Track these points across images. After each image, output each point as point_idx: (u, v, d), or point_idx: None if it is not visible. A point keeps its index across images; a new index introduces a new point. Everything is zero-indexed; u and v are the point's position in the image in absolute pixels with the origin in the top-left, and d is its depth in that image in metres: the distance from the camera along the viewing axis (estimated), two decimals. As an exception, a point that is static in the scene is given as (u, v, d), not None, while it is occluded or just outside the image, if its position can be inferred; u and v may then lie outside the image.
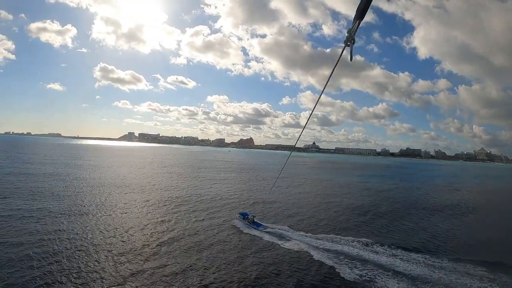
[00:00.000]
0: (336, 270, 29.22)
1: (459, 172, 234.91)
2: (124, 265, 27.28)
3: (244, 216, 44.31)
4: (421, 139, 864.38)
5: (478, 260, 32.33)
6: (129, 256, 29.34)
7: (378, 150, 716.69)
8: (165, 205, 52.44)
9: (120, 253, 29.74)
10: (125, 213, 45.90)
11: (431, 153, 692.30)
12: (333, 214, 54.12)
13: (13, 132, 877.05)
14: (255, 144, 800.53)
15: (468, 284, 26.86)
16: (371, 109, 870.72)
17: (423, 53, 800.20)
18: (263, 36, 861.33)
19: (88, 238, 33.62)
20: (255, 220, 43.05)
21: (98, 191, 60.90)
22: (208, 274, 26.67)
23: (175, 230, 38.43)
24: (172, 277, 25.70)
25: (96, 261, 27.68)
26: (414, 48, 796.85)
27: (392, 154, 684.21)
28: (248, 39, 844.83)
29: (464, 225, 51.25)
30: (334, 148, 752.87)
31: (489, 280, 27.73)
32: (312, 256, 32.61)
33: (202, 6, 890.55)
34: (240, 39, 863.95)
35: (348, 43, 5.55)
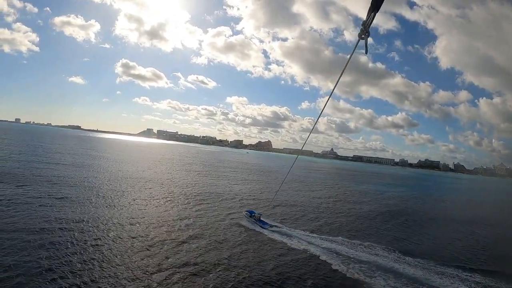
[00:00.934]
0: (338, 269, 30.30)
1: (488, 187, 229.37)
2: (133, 259, 27.92)
3: (251, 214, 45.98)
4: (439, 151, 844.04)
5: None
6: (137, 248, 30.29)
7: (396, 160, 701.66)
8: (179, 200, 55.01)
9: (130, 248, 30.45)
10: (140, 206, 48.32)
11: (450, 166, 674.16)
12: (341, 219, 55.05)
13: (33, 122, 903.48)
14: (273, 147, 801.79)
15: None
16: (390, 118, 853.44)
17: (444, 63, 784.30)
18: (285, 39, 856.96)
19: (99, 230, 34.27)
20: (261, 219, 44.68)
21: (115, 185, 63.86)
22: (211, 268, 27.68)
23: (184, 224, 40.35)
24: (176, 270, 26.51)
25: (103, 254, 28.04)
26: (436, 58, 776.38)
27: (410, 165, 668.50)
28: (269, 42, 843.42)
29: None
30: (352, 155, 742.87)
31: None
32: (314, 255, 33.71)
33: (224, 7, 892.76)
34: (261, 41, 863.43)
35: (363, 36, 5.50)
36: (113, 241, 31.48)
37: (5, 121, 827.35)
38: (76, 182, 60.26)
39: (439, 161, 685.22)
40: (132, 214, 42.35)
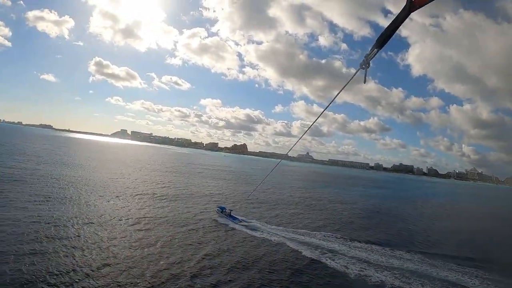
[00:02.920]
0: (306, 255, 34.93)
1: (460, 191, 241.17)
2: (101, 257, 27.99)
3: (222, 209, 50.00)
4: (411, 155, 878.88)
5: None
6: (104, 248, 30.20)
7: (371, 164, 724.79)
8: (156, 199, 57.99)
9: (94, 247, 30.17)
10: (116, 206, 50.95)
11: (423, 170, 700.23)
12: (309, 214, 60.48)
13: (3, 120, 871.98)
14: (248, 150, 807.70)
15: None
16: (362, 123, 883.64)
17: (417, 70, 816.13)
18: (260, 42, 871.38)
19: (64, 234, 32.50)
20: (232, 214, 48.72)
21: (90, 186, 66.01)
22: (182, 262, 29.65)
23: (158, 220, 43.14)
24: (149, 265, 27.75)
25: (69, 255, 27.31)
26: (408, 65, 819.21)
27: (385, 169, 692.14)
28: (244, 45, 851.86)
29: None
30: (327, 159, 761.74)
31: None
32: (284, 245, 37.92)
33: (200, 9, 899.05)
34: (236, 44, 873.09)
35: (363, 66, 6.05)
36: (90, 238, 32.25)
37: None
38: (62, 183, 61.63)
39: (412, 165, 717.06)
40: (109, 214, 43.52)
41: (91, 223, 37.38)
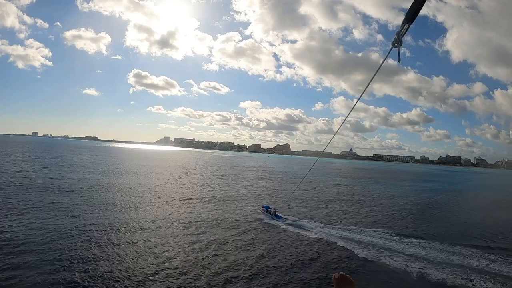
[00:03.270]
0: (355, 253, 34.00)
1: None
2: (153, 255, 29.97)
3: (267, 209, 50.06)
4: (457, 146, 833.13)
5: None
6: (158, 253, 31.01)
7: (416, 157, 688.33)
8: (203, 201, 59.39)
9: (148, 246, 32.46)
10: (167, 208, 52.99)
11: (471, 161, 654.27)
12: (358, 211, 59.37)
13: (51, 135, 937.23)
14: (291, 150, 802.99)
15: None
16: (404, 115, 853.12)
17: (456, 56, 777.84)
18: (294, 41, 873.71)
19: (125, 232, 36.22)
20: (277, 213, 48.58)
21: (139, 191, 68.93)
22: (236, 265, 29.83)
23: (208, 223, 43.96)
24: (204, 269, 28.12)
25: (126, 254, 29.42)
26: (447, 51, 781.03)
27: (432, 161, 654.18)
28: (279, 45, 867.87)
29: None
30: (372, 155, 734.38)
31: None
32: (336, 244, 36.93)
33: (232, 13, 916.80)
34: (271, 44, 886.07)
35: (396, 45, 5.52)
36: (144, 244, 32.94)
37: (23, 135, 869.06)
38: (113, 191, 64.80)
39: (460, 157, 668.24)
40: (160, 220, 45.06)
41: (143, 228, 38.39)
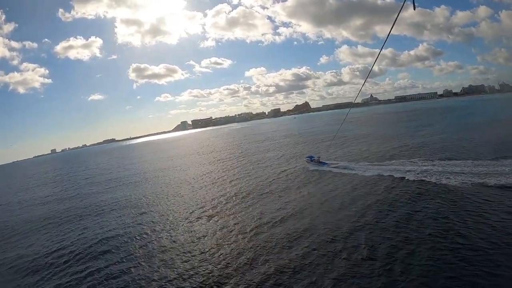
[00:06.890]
0: (413, 179, 36.28)
1: None
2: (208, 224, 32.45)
3: (311, 158, 53.18)
4: (470, 75, 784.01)
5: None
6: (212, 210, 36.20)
7: (439, 92, 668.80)
8: (248, 174, 56.62)
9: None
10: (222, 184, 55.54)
11: (495, 87, 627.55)
12: (398, 146, 61.69)
13: (68, 148, 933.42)
14: (311, 107, 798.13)
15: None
16: (412, 52, 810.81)
17: None
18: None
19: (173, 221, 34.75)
20: (321, 160, 51.57)
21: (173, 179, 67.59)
22: (301, 211, 32.11)
23: (260, 180, 48.14)
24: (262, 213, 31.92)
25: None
26: None
27: (456, 94, 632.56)
28: (271, 6, 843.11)
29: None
30: (394, 97, 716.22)
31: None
32: (387, 177, 38.85)
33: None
34: (263, 8, 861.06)
35: None
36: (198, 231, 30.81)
37: (41, 155, 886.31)
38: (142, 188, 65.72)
39: (483, 85, 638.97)
40: (211, 200, 42.59)
41: (196, 216, 35.82)
